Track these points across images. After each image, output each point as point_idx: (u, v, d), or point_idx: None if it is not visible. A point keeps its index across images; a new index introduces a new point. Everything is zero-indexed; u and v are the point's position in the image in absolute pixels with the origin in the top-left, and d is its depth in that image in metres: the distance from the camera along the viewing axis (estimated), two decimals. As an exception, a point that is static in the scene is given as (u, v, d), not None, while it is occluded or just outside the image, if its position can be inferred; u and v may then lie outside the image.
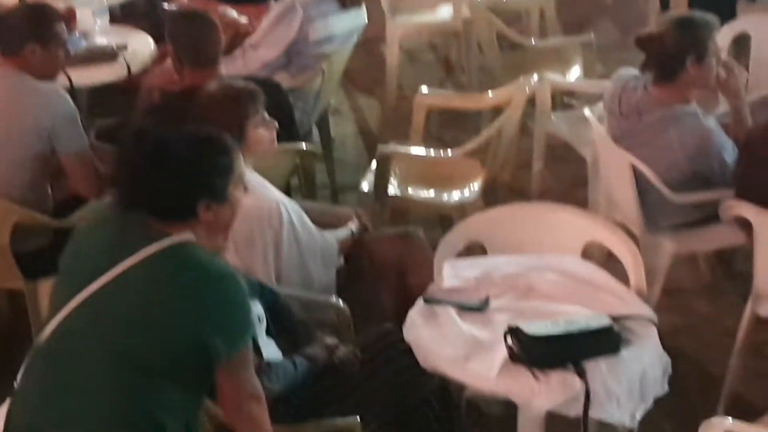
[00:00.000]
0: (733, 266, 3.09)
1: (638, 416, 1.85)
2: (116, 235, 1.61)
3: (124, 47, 3.55)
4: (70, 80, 2.97)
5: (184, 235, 1.56)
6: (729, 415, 1.91)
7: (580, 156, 3.29)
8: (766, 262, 2.40)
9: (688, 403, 2.36)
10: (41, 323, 1.66)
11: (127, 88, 3.46)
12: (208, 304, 1.54)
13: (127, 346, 1.51)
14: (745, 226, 2.45)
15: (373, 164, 3.20)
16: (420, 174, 3.27)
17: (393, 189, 3.16)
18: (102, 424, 1.52)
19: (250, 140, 2.29)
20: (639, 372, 1.84)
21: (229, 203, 1.64)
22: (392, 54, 4.31)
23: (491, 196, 3.24)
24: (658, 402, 1.91)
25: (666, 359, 1.92)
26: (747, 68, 3.19)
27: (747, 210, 2.39)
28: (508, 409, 2.06)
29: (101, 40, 3.61)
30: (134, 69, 3.42)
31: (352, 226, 2.57)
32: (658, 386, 1.89)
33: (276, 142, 2.46)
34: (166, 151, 1.59)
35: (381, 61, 4.45)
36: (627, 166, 2.66)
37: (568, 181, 3.63)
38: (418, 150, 3.36)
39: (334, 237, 2.47)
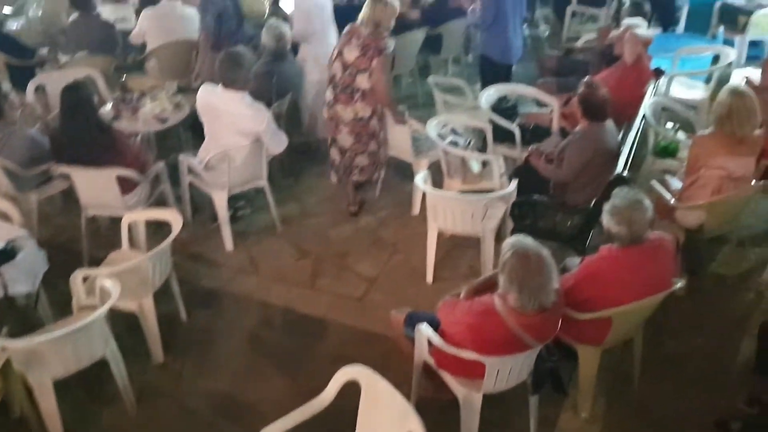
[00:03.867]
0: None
1: (36, 285, 3.75)
2: None
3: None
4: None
5: None
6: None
7: None
8: (88, 194, 4.57)
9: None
10: None
11: None
12: None
13: None
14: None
15: None
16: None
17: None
18: None
19: None
20: (29, 263, 3.75)
21: None
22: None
23: None
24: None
25: (41, 255, 3.85)
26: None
27: (64, 168, 4.47)
28: None
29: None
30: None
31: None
32: (41, 266, 3.82)
33: None
34: None
35: None
36: None
37: None
38: None
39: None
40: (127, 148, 4.57)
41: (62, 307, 3.93)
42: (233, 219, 5.01)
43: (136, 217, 4.23)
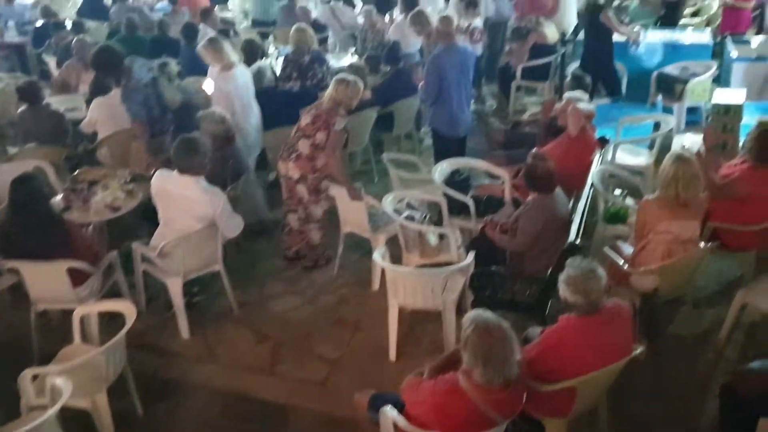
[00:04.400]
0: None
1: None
2: None
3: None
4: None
5: None
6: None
7: None
8: (39, 288, 4.44)
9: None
10: None
11: None
12: None
13: None
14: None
15: None
16: None
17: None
18: None
19: None
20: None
21: None
22: None
23: None
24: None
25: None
26: None
27: (12, 263, 4.35)
28: None
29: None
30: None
31: None
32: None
33: None
34: None
35: None
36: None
37: None
38: None
39: None
40: (79, 240, 4.48)
41: (11, 409, 3.74)
42: (189, 305, 4.90)
43: (89, 309, 4.12)
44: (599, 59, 7.61)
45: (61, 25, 9.54)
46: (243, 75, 6.12)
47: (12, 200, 4.33)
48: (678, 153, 4.22)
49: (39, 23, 10.23)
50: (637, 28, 8.38)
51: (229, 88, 5.94)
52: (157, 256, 4.66)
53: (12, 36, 10.61)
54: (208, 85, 6.52)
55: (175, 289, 4.72)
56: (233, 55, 6.10)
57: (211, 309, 5.14)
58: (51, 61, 9.04)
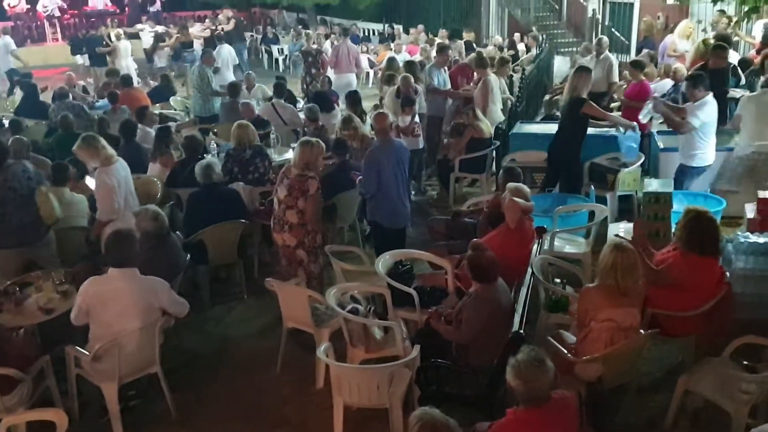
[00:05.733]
0: None
1: None
2: None
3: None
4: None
5: None
6: None
7: None
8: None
9: None
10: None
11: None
12: None
13: None
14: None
15: None
16: None
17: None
18: None
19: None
20: None
21: None
22: None
23: None
24: None
25: None
26: None
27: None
28: None
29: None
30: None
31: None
32: None
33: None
34: None
35: None
36: None
37: None
38: None
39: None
40: (8, 345, 4.30)
41: None
42: (125, 410, 4.68)
43: (17, 419, 3.93)
44: (566, 153, 7.49)
45: (-3, 124, 9.42)
46: (124, 168, 6.04)
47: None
48: (616, 242, 4.34)
49: (-26, 123, 10.08)
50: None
51: (112, 183, 5.83)
52: (91, 360, 4.47)
53: (-54, 135, 10.37)
54: (90, 183, 6.46)
55: (111, 394, 4.51)
56: (110, 149, 5.99)
57: (148, 413, 4.91)
58: (-15, 160, 8.84)
